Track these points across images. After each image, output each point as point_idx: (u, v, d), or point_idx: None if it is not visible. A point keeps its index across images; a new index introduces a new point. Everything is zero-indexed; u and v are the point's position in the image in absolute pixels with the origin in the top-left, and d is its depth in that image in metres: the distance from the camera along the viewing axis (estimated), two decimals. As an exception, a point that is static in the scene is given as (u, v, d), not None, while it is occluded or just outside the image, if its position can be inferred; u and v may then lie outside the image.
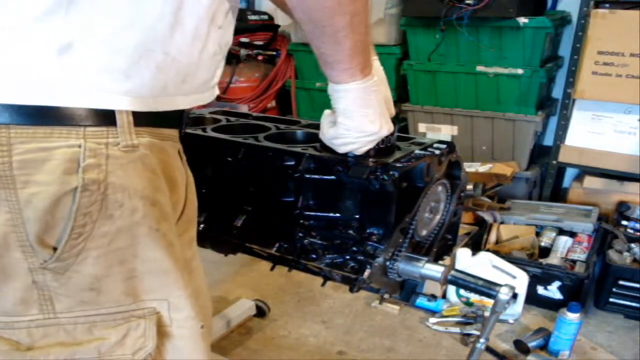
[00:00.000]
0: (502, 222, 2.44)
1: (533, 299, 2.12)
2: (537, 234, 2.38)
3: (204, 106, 1.47)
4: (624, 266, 2.11)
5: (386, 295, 2.14)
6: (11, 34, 0.62)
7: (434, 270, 1.05)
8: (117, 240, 0.69)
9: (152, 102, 0.70)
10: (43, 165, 0.64)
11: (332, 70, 0.86)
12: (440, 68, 2.75)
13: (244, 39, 3.22)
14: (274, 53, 3.33)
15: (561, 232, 2.39)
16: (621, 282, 2.08)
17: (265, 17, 3.34)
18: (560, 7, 2.91)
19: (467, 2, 2.44)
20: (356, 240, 1.04)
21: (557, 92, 2.95)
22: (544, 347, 1.91)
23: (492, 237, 2.37)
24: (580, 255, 2.23)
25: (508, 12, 2.43)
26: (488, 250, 2.23)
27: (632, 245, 2.22)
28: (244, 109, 3.12)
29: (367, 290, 2.15)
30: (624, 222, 2.40)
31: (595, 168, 2.57)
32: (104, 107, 0.66)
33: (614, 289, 2.10)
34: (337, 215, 1.07)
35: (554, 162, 2.68)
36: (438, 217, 1.21)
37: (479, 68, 2.64)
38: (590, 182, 2.62)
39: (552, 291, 2.11)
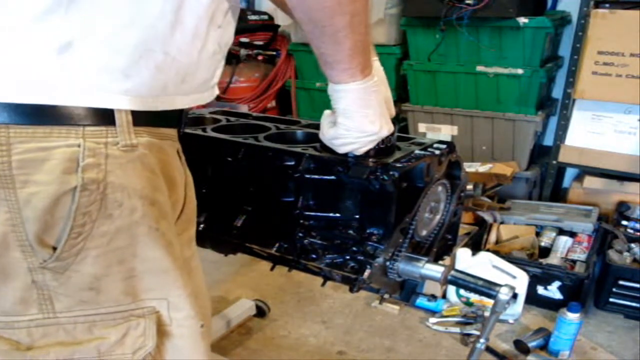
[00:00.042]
0: (502, 222, 2.44)
1: (533, 299, 2.12)
2: (537, 234, 2.38)
3: (203, 106, 1.47)
4: (624, 266, 2.11)
5: (386, 295, 2.14)
6: (11, 33, 0.62)
7: (434, 270, 1.05)
8: (117, 240, 0.69)
9: (151, 102, 0.70)
10: (42, 164, 0.64)
11: (332, 70, 0.86)
12: (440, 68, 2.75)
13: (244, 39, 3.22)
14: (274, 53, 3.33)
15: (561, 232, 2.38)
16: (621, 282, 2.08)
17: (265, 17, 3.34)
18: (560, 7, 2.91)
19: (467, 2, 2.44)
20: (356, 240, 1.04)
21: (557, 92, 2.94)
22: (544, 347, 1.91)
23: (492, 237, 2.37)
24: (580, 255, 2.23)
25: (508, 12, 2.43)
26: (488, 250, 2.23)
27: (632, 245, 2.22)
28: (244, 109, 3.12)
29: (367, 290, 2.15)
30: (624, 222, 2.40)
31: (595, 168, 2.57)
32: (103, 106, 0.66)
33: (614, 289, 2.10)
34: (337, 215, 1.07)
35: (554, 162, 2.68)
36: (438, 217, 1.21)
37: (479, 68, 2.64)
38: (590, 182, 2.62)
39: (552, 291, 2.11)
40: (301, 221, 1.08)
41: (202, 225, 1.17)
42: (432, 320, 2.05)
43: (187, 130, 1.17)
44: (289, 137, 1.23)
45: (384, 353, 1.91)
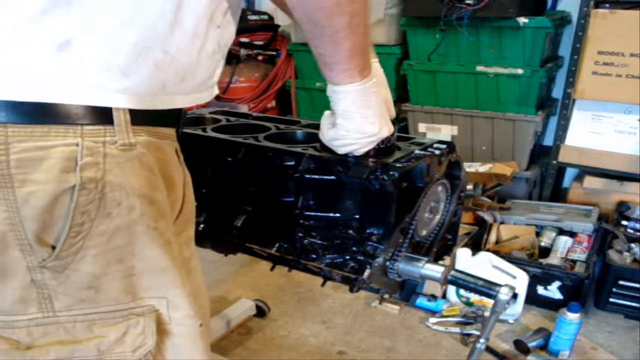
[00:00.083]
0: (502, 222, 2.44)
1: (533, 299, 2.12)
2: (537, 234, 2.38)
3: (203, 106, 1.47)
4: (624, 266, 2.11)
5: (386, 295, 2.14)
6: (11, 32, 0.62)
7: (434, 270, 1.05)
8: (115, 239, 0.69)
9: (150, 101, 0.70)
10: (40, 163, 0.63)
11: (331, 71, 0.86)
12: (440, 68, 2.75)
13: (244, 39, 3.22)
14: (274, 53, 3.33)
15: (561, 232, 2.38)
16: (621, 282, 2.08)
17: (265, 17, 3.34)
18: (560, 7, 2.91)
19: (467, 2, 2.44)
20: (356, 240, 1.04)
21: (557, 92, 2.94)
22: (544, 347, 1.91)
23: (492, 237, 2.37)
24: (580, 255, 2.22)
25: (508, 12, 2.43)
26: (488, 250, 2.23)
27: (632, 245, 2.22)
28: (244, 109, 3.12)
29: (367, 290, 2.15)
30: (624, 222, 2.40)
31: (595, 168, 2.57)
32: (101, 105, 0.66)
33: (614, 289, 2.10)
34: (337, 215, 1.07)
35: (554, 162, 2.68)
36: (438, 217, 1.21)
37: (479, 68, 2.64)
38: (590, 182, 2.62)
39: (552, 291, 2.11)
40: (301, 221, 1.08)
41: (202, 225, 1.17)
42: (432, 320, 2.04)
43: (187, 130, 1.17)
44: (289, 137, 1.23)
45: (384, 353, 1.91)
